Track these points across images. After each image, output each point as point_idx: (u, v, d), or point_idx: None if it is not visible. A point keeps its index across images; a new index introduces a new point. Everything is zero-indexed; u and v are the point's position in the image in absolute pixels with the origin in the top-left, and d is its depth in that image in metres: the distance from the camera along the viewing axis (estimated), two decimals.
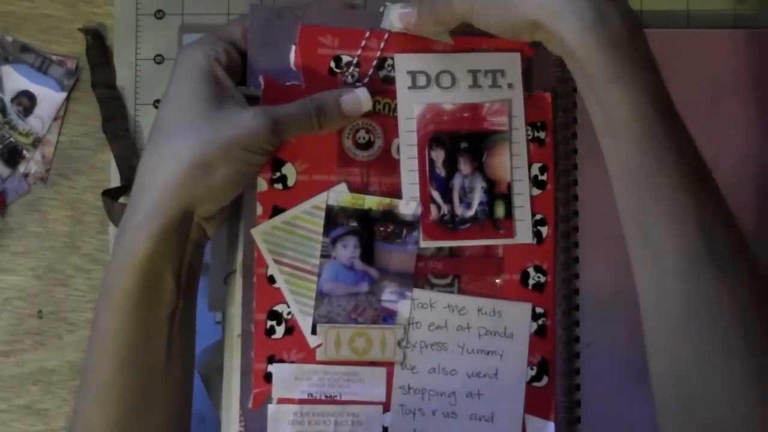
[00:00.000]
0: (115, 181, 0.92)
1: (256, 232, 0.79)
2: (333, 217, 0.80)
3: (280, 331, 0.79)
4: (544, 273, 0.82)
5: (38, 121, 0.93)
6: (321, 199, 0.80)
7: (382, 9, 0.82)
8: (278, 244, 0.79)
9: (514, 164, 0.82)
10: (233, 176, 0.74)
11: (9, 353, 0.92)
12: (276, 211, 0.80)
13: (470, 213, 0.82)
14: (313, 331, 0.79)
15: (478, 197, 0.82)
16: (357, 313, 0.80)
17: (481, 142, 0.82)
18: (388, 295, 0.80)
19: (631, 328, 0.83)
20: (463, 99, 0.82)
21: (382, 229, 0.81)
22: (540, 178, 0.83)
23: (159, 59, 0.93)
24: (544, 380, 0.82)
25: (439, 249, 0.81)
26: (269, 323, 0.79)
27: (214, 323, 0.88)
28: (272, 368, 0.79)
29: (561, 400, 0.83)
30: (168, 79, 0.77)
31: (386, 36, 0.82)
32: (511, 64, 0.83)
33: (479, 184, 0.82)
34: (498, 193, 0.82)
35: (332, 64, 0.81)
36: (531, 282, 0.82)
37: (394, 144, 0.81)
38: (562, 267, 0.83)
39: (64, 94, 0.93)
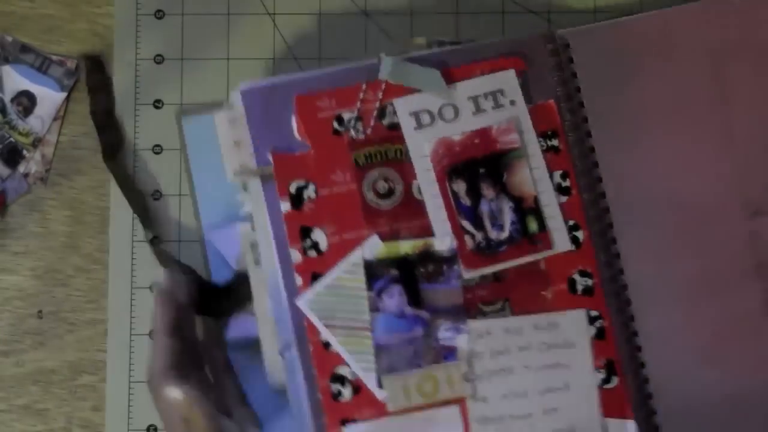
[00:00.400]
0: (115, 182, 0.92)
1: (302, 303, 0.80)
2: (373, 271, 0.80)
3: (347, 392, 0.79)
4: (589, 276, 0.83)
5: (38, 121, 0.93)
6: (357, 256, 0.81)
7: (377, 60, 0.82)
8: (326, 309, 0.80)
9: (535, 177, 0.83)
10: None
11: (9, 353, 0.92)
12: (315, 277, 0.80)
13: (504, 235, 0.82)
14: (380, 385, 0.80)
15: (508, 218, 0.82)
16: (418, 358, 0.80)
17: (499, 164, 0.83)
18: (444, 333, 0.80)
19: (685, 310, 0.83)
20: (470, 127, 0.83)
21: (422, 270, 0.81)
22: (563, 184, 0.83)
23: (159, 59, 0.93)
24: (614, 381, 0.82)
25: (483, 277, 0.82)
26: (335, 387, 0.79)
27: (278, 400, 0.88)
28: (347, 431, 0.79)
29: (634, 396, 0.82)
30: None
31: (383, 86, 0.82)
32: (508, 81, 0.84)
33: (506, 205, 0.82)
34: (527, 209, 0.82)
35: (335, 124, 0.82)
36: (579, 288, 0.82)
37: (415, 185, 0.82)
38: (605, 266, 0.83)
39: (64, 94, 0.93)
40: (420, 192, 0.82)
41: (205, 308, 0.85)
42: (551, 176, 0.83)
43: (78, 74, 0.93)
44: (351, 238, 0.81)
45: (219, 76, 0.93)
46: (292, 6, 0.93)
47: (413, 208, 0.82)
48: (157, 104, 0.92)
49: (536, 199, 0.83)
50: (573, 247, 0.83)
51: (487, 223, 0.82)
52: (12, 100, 0.93)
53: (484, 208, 0.82)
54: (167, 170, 0.92)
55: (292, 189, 0.81)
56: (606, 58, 0.86)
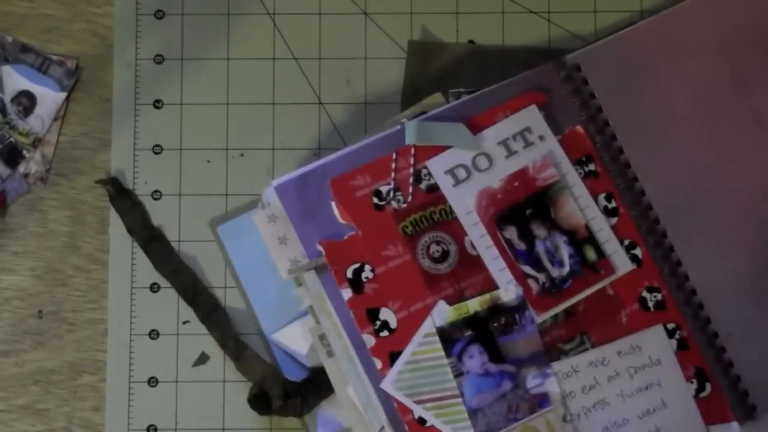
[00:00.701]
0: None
1: (387, 385, 0.79)
2: (447, 336, 0.80)
3: None
4: (657, 290, 0.82)
5: (38, 121, 0.92)
6: (428, 326, 0.80)
7: (398, 126, 0.82)
8: (412, 386, 0.79)
9: (581, 206, 0.83)
10: None
11: (9, 353, 0.91)
12: (393, 357, 0.79)
13: (566, 270, 0.81)
14: None
15: (566, 252, 0.82)
16: (513, 412, 0.80)
17: (543, 201, 0.82)
18: (532, 381, 0.80)
19: (757, 299, 0.83)
20: (506, 171, 0.83)
21: (496, 324, 0.80)
22: (610, 206, 0.83)
23: (159, 59, 0.93)
24: (708, 388, 0.82)
25: (555, 316, 0.81)
26: None
27: None
28: None
29: (730, 397, 0.82)
30: None
31: (413, 150, 0.82)
32: (533, 117, 0.84)
33: (561, 240, 0.82)
34: (581, 239, 0.82)
35: (375, 200, 0.82)
36: (650, 304, 0.82)
37: (467, 242, 0.81)
38: (670, 275, 0.83)
39: (64, 94, 0.92)
40: (474, 247, 0.81)
41: (287, 407, 0.84)
42: (596, 201, 0.83)
43: (78, 74, 0.92)
44: (418, 309, 0.80)
45: (219, 76, 0.92)
46: (292, 6, 0.93)
47: (471, 264, 0.81)
48: (157, 104, 0.92)
49: (588, 228, 0.82)
50: (635, 266, 0.83)
51: (547, 263, 0.82)
52: (12, 100, 0.92)
53: (540, 248, 0.82)
54: (167, 170, 0.92)
55: (349, 274, 0.80)
56: (619, 72, 0.86)
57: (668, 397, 0.81)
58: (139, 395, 0.90)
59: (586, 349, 0.81)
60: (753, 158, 0.86)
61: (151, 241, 0.90)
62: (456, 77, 0.90)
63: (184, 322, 0.90)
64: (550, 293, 0.81)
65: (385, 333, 0.80)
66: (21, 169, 0.91)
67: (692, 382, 0.82)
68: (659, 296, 0.82)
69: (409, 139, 0.82)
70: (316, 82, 0.92)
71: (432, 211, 0.82)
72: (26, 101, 0.92)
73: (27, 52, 0.92)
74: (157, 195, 0.91)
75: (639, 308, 0.82)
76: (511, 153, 0.83)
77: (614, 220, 0.83)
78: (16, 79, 0.92)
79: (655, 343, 0.82)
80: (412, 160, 0.82)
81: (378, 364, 0.79)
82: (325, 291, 0.81)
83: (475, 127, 0.83)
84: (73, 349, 0.91)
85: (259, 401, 0.87)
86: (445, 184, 0.82)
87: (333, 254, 0.80)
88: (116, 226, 0.91)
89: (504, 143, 0.83)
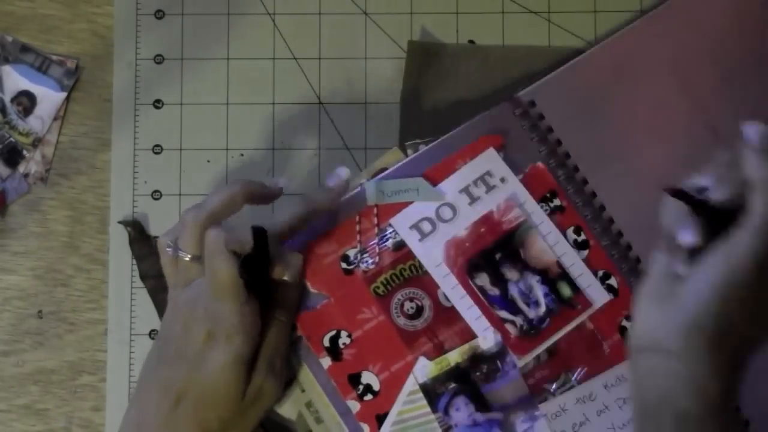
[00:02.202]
0: (115, 181, 0.91)
1: None
2: (431, 392, 0.80)
3: None
4: None
5: (38, 121, 0.92)
6: (411, 384, 0.80)
7: (358, 188, 0.82)
8: None
9: (551, 243, 0.82)
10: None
11: (9, 353, 0.91)
12: (380, 419, 0.80)
13: (542, 309, 0.81)
14: None
15: (540, 292, 0.82)
16: None
17: (512, 243, 0.82)
18: (521, 425, 0.80)
19: None
20: (472, 218, 0.83)
21: (478, 373, 0.80)
22: (579, 239, 0.83)
23: (159, 59, 0.93)
24: None
25: (538, 357, 0.81)
26: None
27: None
28: None
29: None
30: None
31: (375, 210, 0.82)
32: (492, 161, 0.84)
33: (533, 280, 0.82)
34: (554, 277, 0.82)
35: (343, 265, 0.82)
36: None
37: (440, 294, 0.81)
38: None
39: (64, 94, 0.92)
40: (447, 299, 0.81)
41: None
42: (565, 236, 0.83)
43: (78, 74, 0.93)
44: (399, 368, 0.81)
45: (219, 76, 0.93)
46: (292, 6, 0.93)
47: (447, 316, 0.81)
48: (157, 104, 0.92)
49: (560, 264, 0.82)
50: (611, 296, 0.82)
51: (522, 305, 0.81)
52: (12, 100, 0.92)
53: (514, 291, 0.82)
54: (167, 170, 0.92)
55: (326, 342, 0.81)
56: (574, 102, 0.86)
57: None
58: None
59: (572, 387, 0.81)
60: None
61: (163, 291, 0.90)
62: (456, 77, 0.90)
63: None
64: (529, 335, 0.81)
65: (369, 396, 0.80)
66: (21, 169, 0.92)
67: None
68: None
69: (370, 199, 0.82)
70: (316, 82, 0.92)
71: (402, 269, 0.82)
72: (26, 101, 0.92)
73: (27, 52, 0.93)
74: (157, 195, 0.91)
75: (621, 338, 0.82)
76: (474, 199, 0.83)
77: (585, 252, 0.83)
78: (16, 79, 0.93)
79: None
80: (375, 220, 0.82)
81: (365, 429, 0.80)
82: (305, 362, 0.81)
83: (436, 178, 0.83)
84: (73, 349, 0.91)
85: None
86: (411, 239, 0.82)
87: (307, 325, 0.81)
88: (116, 226, 0.91)
89: (466, 190, 0.83)
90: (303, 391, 0.83)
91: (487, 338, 0.81)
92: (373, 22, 0.92)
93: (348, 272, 0.82)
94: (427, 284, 0.82)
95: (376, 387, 0.80)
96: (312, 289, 0.81)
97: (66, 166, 0.92)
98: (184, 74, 0.92)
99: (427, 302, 0.81)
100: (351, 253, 0.82)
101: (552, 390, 0.81)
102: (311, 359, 0.81)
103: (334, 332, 0.81)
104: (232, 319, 0.75)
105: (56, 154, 0.92)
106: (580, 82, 0.86)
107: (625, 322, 0.82)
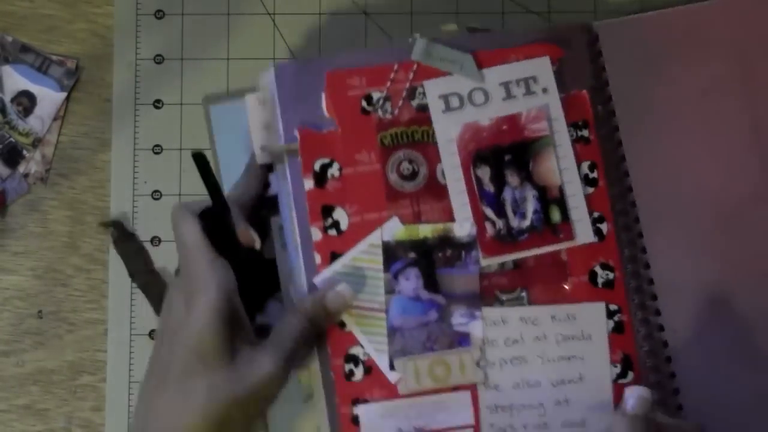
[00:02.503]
0: (115, 181, 0.93)
1: (320, 281, 0.80)
2: (391, 253, 0.81)
3: (359, 372, 0.80)
4: (611, 269, 0.82)
5: (38, 121, 0.94)
6: (376, 237, 0.81)
7: (411, 40, 0.82)
8: None
9: (561, 166, 0.82)
10: (250, 424, 0.75)
11: (9, 353, 0.93)
12: (334, 256, 0.81)
13: (526, 223, 0.81)
14: (392, 367, 0.80)
15: (531, 206, 0.82)
16: (431, 342, 0.80)
17: (525, 152, 0.82)
18: (459, 318, 0.81)
19: (713, 306, 0.82)
20: (499, 112, 0.82)
21: (441, 255, 0.81)
22: (591, 176, 0.83)
23: (159, 59, 0.94)
24: (630, 376, 0.81)
25: (502, 264, 0.81)
26: (347, 367, 0.80)
27: (297, 383, 0.89)
28: (358, 410, 0.80)
29: (657, 393, 0.81)
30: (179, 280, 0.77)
31: (415, 66, 0.82)
32: (542, 69, 0.83)
33: (530, 193, 0.82)
34: (551, 199, 0.82)
35: (364, 104, 0.82)
36: (600, 280, 0.82)
37: (439, 169, 0.82)
38: (629, 260, 0.82)
39: (64, 94, 0.93)
40: (444, 176, 0.82)
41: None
42: (579, 167, 0.83)
43: (78, 74, 0.94)
44: (372, 219, 0.81)
45: (219, 76, 0.93)
46: (292, 6, 0.93)
47: (436, 191, 0.82)
48: (157, 104, 0.93)
49: (561, 189, 0.82)
50: (596, 239, 0.82)
51: (510, 211, 0.82)
52: (12, 100, 0.94)
53: (508, 195, 0.82)
54: (167, 170, 0.93)
55: (317, 167, 0.82)
56: (634, 52, 0.85)
57: (587, 373, 0.81)
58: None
59: (522, 305, 0.81)
60: (742, 167, 0.84)
61: (155, 285, 0.91)
62: None
63: None
64: (503, 241, 0.81)
65: (333, 232, 0.81)
66: (21, 169, 0.93)
67: (616, 366, 0.81)
68: (611, 275, 0.82)
69: (416, 55, 0.82)
70: None
71: (414, 130, 0.82)
72: (26, 101, 0.94)
73: (27, 52, 0.94)
74: (157, 195, 0.93)
75: (587, 281, 0.82)
76: (509, 96, 0.83)
77: (591, 189, 0.83)
78: (17, 80, 0.94)
79: (592, 318, 0.81)
80: (411, 75, 0.83)
81: (318, 259, 0.81)
82: (289, 176, 0.82)
83: (483, 62, 0.83)
84: (73, 349, 0.92)
85: None
86: (435, 107, 0.82)
87: (307, 143, 0.81)
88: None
89: (506, 85, 0.83)
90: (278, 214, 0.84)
91: (463, 227, 0.81)
92: (373, 22, 0.92)
93: (365, 112, 0.82)
94: (431, 154, 0.82)
95: (343, 226, 0.81)
96: (326, 113, 0.82)
97: (66, 166, 0.93)
98: (184, 74, 0.92)
99: (424, 170, 0.82)
100: (375, 96, 0.82)
101: (502, 299, 0.81)
102: (297, 177, 0.82)
103: (327, 160, 0.82)
104: (204, 275, 0.74)
105: (56, 154, 0.93)
106: (646, 36, 0.86)
107: (597, 269, 0.82)
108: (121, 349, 0.91)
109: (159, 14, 0.94)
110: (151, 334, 0.91)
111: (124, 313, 0.91)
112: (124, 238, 0.92)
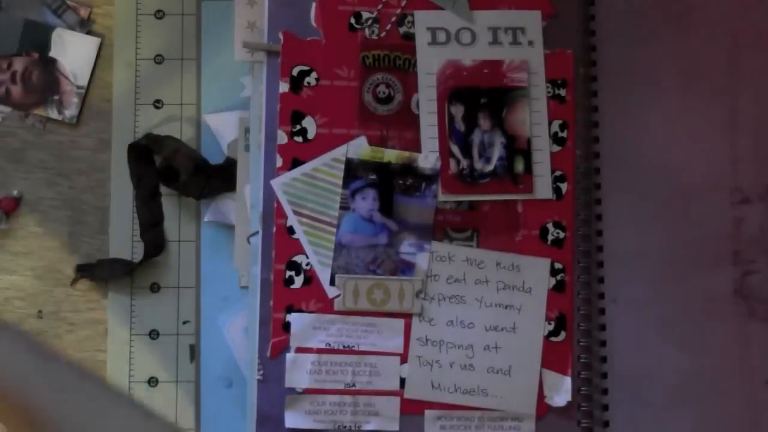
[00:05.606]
0: (114, 180, 0.92)
1: (276, 184, 0.80)
2: (352, 170, 0.81)
3: (298, 281, 0.80)
4: (563, 229, 0.83)
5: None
6: (341, 152, 0.81)
7: None
8: (298, 196, 0.80)
9: (533, 120, 0.83)
10: None
11: None
12: (296, 163, 0.81)
13: (489, 168, 0.82)
14: (332, 282, 0.80)
15: (497, 152, 0.82)
16: (375, 265, 0.80)
17: (501, 98, 0.83)
18: (407, 247, 0.81)
19: (655, 283, 0.83)
20: (483, 55, 0.83)
21: (401, 182, 0.81)
22: (560, 134, 0.83)
23: (159, 59, 0.93)
24: (562, 335, 0.82)
25: (459, 203, 0.82)
26: (288, 273, 0.80)
27: (240, 287, 0.88)
28: (291, 318, 0.80)
29: (583, 356, 0.82)
30: None
31: None
32: (532, 21, 0.84)
33: (499, 140, 0.82)
34: (517, 149, 0.82)
35: (352, 20, 0.82)
36: (550, 238, 0.82)
37: (414, 99, 0.82)
38: (583, 223, 0.83)
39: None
40: (417, 107, 0.82)
41: (191, 185, 0.85)
42: (550, 123, 0.83)
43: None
44: (339, 134, 0.81)
45: (219, 76, 0.93)
46: None
47: (407, 121, 0.82)
48: (157, 104, 0.92)
49: (529, 142, 0.83)
50: (554, 197, 0.83)
51: (476, 153, 0.82)
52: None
53: (476, 137, 0.82)
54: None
55: (294, 72, 0.82)
56: (626, 22, 0.86)
57: (521, 324, 0.82)
58: (139, 395, 0.90)
59: (470, 246, 0.82)
60: (712, 153, 0.86)
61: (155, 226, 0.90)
62: None
63: (184, 322, 0.90)
64: (464, 180, 0.82)
65: (299, 139, 0.81)
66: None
67: (550, 324, 0.82)
68: (562, 235, 0.83)
69: None
70: None
71: (397, 56, 0.82)
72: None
73: None
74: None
75: (537, 236, 0.82)
76: (496, 42, 0.83)
77: (558, 148, 0.83)
78: None
79: (535, 272, 0.82)
80: (404, 2, 0.83)
81: (279, 162, 0.81)
82: (266, 77, 0.82)
83: (476, 4, 0.83)
84: (73, 349, 0.91)
85: (168, 173, 0.88)
86: (421, 38, 0.83)
87: (290, 46, 0.81)
88: (116, 226, 0.91)
89: (494, 30, 0.83)
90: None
91: (428, 159, 0.81)
92: None
93: (352, 29, 0.82)
94: (409, 83, 0.82)
95: (310, 135, 0.81)
96: (313, 22, 0.82)
97: (66, 166, 0.92)
98: (184, 74, 0.92)
99: (399, 97, 0.82)
100: (365, 15, 0.82)
101: (452, 237, 0.81)
102: (273, 79, 0.82)
103: (306, 68, 0.82)
104: None
105: (57, 154, 0.92)
106: (642, 9, 0.86)
107: (549, 226, 0.82)
108: (121, 349, 0.90)
109: (159, 14, 0.93)
110: (151, 334, 0.90)
111: (124, 314, 0.90)
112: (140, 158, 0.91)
